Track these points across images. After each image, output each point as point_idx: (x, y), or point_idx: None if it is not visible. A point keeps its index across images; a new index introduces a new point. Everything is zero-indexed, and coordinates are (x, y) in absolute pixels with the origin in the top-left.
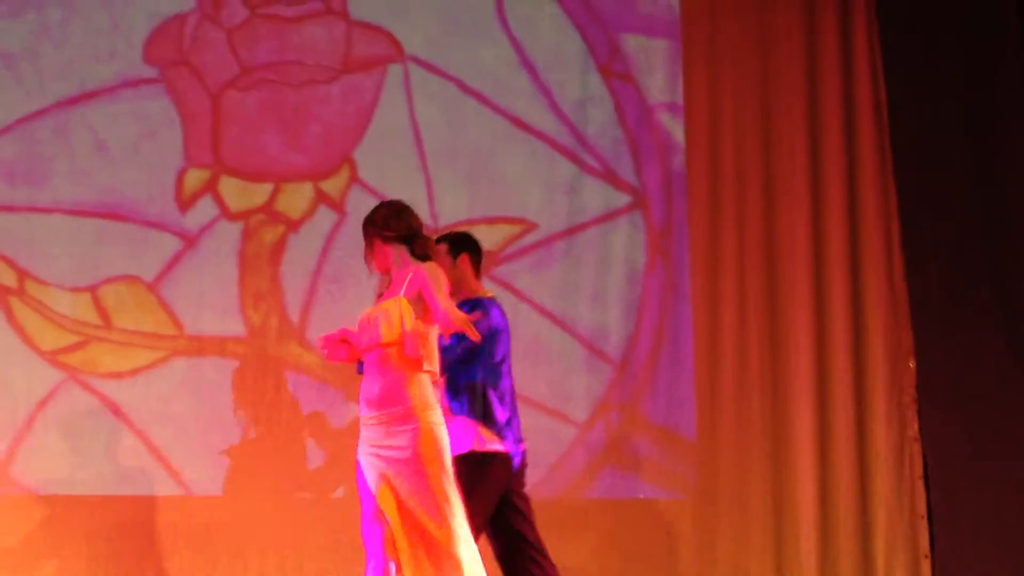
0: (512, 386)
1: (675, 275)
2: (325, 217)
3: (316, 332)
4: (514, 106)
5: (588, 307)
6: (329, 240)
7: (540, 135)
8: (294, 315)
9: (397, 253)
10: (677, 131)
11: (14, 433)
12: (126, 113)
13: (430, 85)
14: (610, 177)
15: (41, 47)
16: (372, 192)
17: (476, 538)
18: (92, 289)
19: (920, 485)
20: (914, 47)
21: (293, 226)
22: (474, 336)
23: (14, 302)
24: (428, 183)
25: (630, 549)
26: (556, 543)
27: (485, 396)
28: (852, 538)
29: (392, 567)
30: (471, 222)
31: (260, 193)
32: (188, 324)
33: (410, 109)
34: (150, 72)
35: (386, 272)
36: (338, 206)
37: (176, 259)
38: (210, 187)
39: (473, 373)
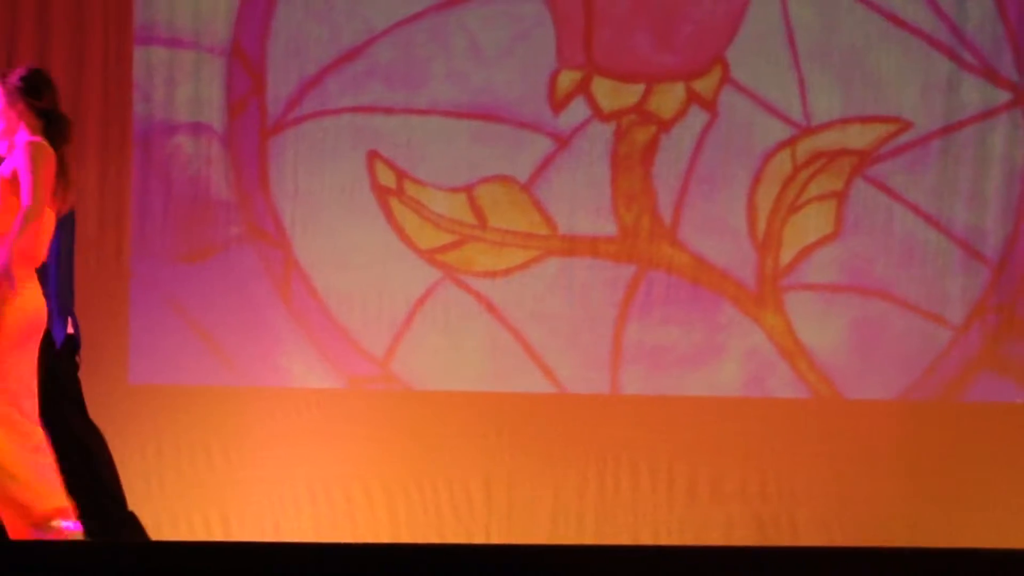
0: None
1: None
2: (697, 117)
3: (688, 232)
4: (890, 3)
5: (964, 207)
6: (701, 140)
7: (916, 31)
8: (666, 215)
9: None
10: None
11: (394, 330)
12: (500, 15)
13: None
14: (989, 74)
15: None
16: (745, 92)
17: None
18: (468, 189)
19: None
20: None
21: (665, 126)
22: None
23: (393, 202)
24: (801, 82)
25: (1006, 455)
26: (928, 447)
27: None
28: None
29: None
30: (845, 121)
31: (632, 93)
32: (561, 224)
33: (783, 7)
34: None
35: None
36: (710, 106)
37: (549, 159)
38: (582, 88)
39: None
